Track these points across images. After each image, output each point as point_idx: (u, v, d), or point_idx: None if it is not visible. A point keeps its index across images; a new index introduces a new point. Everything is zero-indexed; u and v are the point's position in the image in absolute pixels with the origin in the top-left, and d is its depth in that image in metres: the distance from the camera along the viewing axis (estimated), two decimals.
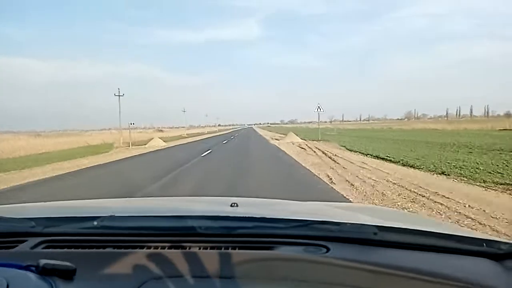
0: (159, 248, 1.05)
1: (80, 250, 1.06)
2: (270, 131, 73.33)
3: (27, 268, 0.85)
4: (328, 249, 1.02)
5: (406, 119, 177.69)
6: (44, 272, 0.83)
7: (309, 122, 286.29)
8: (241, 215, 1.30)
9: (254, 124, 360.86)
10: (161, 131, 73.63)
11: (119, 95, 35.74)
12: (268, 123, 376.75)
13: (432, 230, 1.12)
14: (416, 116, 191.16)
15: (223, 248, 1.03)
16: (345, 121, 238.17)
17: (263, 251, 1.03)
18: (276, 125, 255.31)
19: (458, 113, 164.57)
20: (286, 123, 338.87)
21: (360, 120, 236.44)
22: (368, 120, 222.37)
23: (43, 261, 0.84)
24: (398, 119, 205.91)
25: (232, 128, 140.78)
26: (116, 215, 1.18)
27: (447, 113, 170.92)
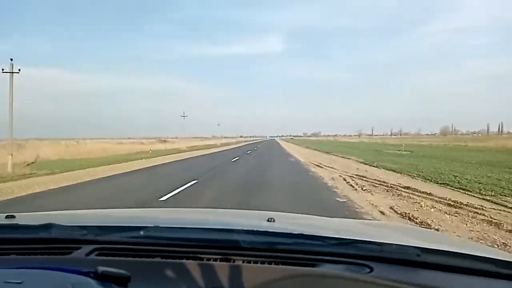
0: (205, 260, 1.08)
1: (130, 258, 1.11)
2: (298, 144, 66.68)
3: (87, 274, 0.90)
4: (371, 269, 1.02)
5: (441, 135, 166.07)
6: (102, 278, 0.88)
7: (334, 135, 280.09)
8: (281, 231, 1.29)
9: (277, 136, 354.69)
10: (165, 141, 67.71)
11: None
12: (290, 135, 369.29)
13: (478, 254, 1.12)
14: (453, 131, 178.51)
15: (266, 263, 1.07)
16: (375, 135, 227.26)
17: (305, 268, 1.04)
18: (299, 138, 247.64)
19: (500, 130, 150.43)
20: (309, 136, 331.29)
21: (391, 134, 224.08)
22: (400, 135, 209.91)
23: (101, 268, 0.89)
24: (432, 134, 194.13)
25: (253, 140, 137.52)
26: (160, 225, 1.28)
27: (488, 129, 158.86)
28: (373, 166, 17.33)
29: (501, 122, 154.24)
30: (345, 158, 24.09)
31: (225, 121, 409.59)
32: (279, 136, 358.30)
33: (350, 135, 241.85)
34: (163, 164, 21.18)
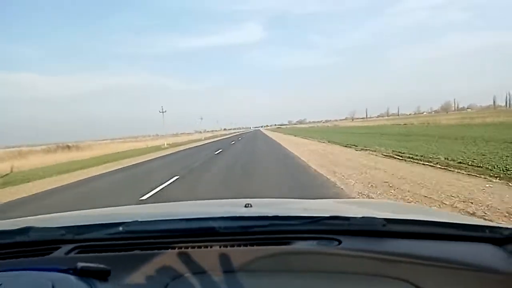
0: (183, 248, 1.11)
1: (110, 253, 1.13)
2: (289, 134, 56.71)
3: (66, 271, 0.92)
4: (340, 242, 1.08)
5: (442, 111, 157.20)
6: (82, 274, 0.90)
7: (320, 121, 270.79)
8: (256, 215, 1.39)
9: (261, 127, 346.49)
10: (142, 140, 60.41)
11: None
12: (275, 125, 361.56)
13: (437, 220, 1.22)
14: (456, 107, 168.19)
15: (242, 246, 1.10)
16: (369, 117, 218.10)
17: (279, 247, 1.09)
18: (285, 126, 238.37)
19: (508, 103, 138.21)
20: (295, 124, 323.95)
21: (388, 115, 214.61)
22: (398, 115, 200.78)
23: (80, 264, 0.91)
24: (432, 112, 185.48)
25: (235, 132, 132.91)
26: (139, 220, 1.27)
27: (494, 102, 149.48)
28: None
29: (509, 93, 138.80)
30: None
31: (208, 114, 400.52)
32: (264, 127, 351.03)
33: (343, 119, 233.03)
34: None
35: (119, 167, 18.15)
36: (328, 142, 23.55)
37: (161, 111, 46.59)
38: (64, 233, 1.21)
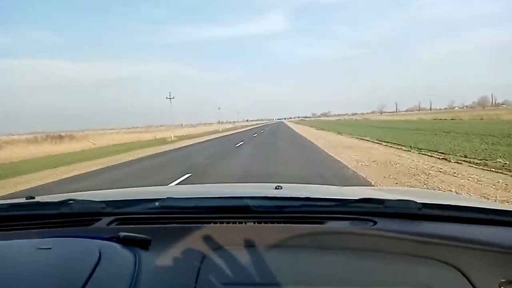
0: (218, 223, 1.14)
1: (149, 225, 1.17)
2: (318, 128, 48.99)
3: (110, 239, 0.96)
4: (375, 223, 1.09)
5: (479, 106, 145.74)
6: (125, 242, 0.95)
7: (345, 114, 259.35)
8: (289, 195, 1.38)
9: (285, 119, 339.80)
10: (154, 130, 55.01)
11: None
12: (298, 117, 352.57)
13: (470, 205, 1.21)
14: (494, 102, 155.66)
15: (276, 223, 1.12)
16: (399, 111, 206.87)
17: (314, 225, 1.11)
18: (309, 119, 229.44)
19: None
20: (319, 116, 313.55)
21: (419, 109, 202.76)
22: (430, 109, 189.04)
23: (123, 234, 0.96)
24: (465, 107, 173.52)
25: (256, 124, 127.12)
26: (174, 197, 1.32)
27: None
28: None
29: None
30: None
31: (230, 105, 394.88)
32: (287, 119, 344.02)
33: (369, 113, 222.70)
34: None
35: (75, 174, 12.36)
36: (379, 141, 16.87)
37: (168, 97, 40.32)
38: (104, 206, 1.26)
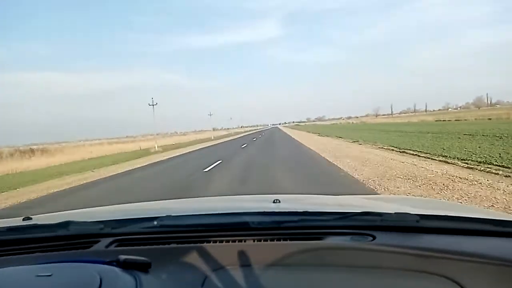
0: (217, 242, 1.14)
1: (148, 246, 1.16)
2: (315, 132, 45.21)
3: (110, 263, 0.95)
4: (374, 237, 1.07)
5: (474, 107, 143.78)
6: (125, 266, 0.93)
7: (340, 118, 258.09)
8: (288, 210, 1.38)
9: (279, 124, 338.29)
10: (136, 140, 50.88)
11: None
12: (293, 122, 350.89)
13: (470, 216, 1.17)
14: (489, 102, 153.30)
15: (275, 240, 1.12)
16: (395, 113, 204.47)
17: (313, 242, 1.10)
18: (304, 124, 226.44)
19: None
20: (314, 121, 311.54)
21: (414, 111, 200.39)
22: (426, 111, 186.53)
23: (123, 257, 0.94)
24: (458, 108, 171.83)
25: (251, 130, 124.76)
26: (172, 215, 1.30)
27: None
28: None
29: None
30: None
31: (223, 112, 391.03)
32: (281, 124, 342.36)
33: (360, 116, 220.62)
34: None
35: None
36: (401, 149, 13.45)
37: (151, 103, 36.34)
38: (102, 227, 1.24)
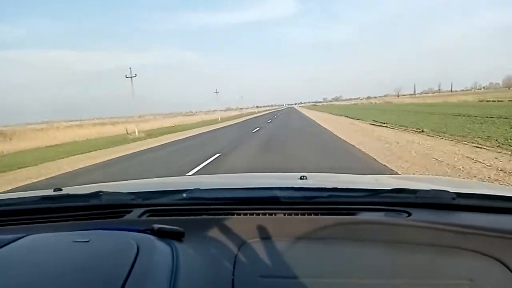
0: (248, 214, 1.13)
1: (179, 217, 1.16)
2: (341, 114, 36.94)
3: (144, 231, 0.95)
4: (409, 214, 1.06)
5: (504, 87, 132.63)
6: (159, 234, 0.93)
7: (357, 98, 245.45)
8: (318, 186, 1.36)
9: (295, 104, 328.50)
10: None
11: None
12: (309, 102, 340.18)
13: (506, 194, 1.15)
14: None
15: (306, 215, 1.10)
16: (418, 93, 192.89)
17: (345, 217, 1.08)
18: (321, 104, 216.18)
19: None
20: (330, 101, 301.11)
21: (440, 91, 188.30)
22: (451, 91, 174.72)
23: (157, 226, 0.95)
24: (482, 88, 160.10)
25: (265, 111, 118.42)
26: (201, 188, 1.29)
27: None
28: None
29: None
30: None
31: (239, 92, 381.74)
32: (297, 104, 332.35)
33: (379, 96, 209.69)
34: None
35: None
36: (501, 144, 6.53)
37: (128, 75, 27.85)
38: (134, 198, 1.25)
